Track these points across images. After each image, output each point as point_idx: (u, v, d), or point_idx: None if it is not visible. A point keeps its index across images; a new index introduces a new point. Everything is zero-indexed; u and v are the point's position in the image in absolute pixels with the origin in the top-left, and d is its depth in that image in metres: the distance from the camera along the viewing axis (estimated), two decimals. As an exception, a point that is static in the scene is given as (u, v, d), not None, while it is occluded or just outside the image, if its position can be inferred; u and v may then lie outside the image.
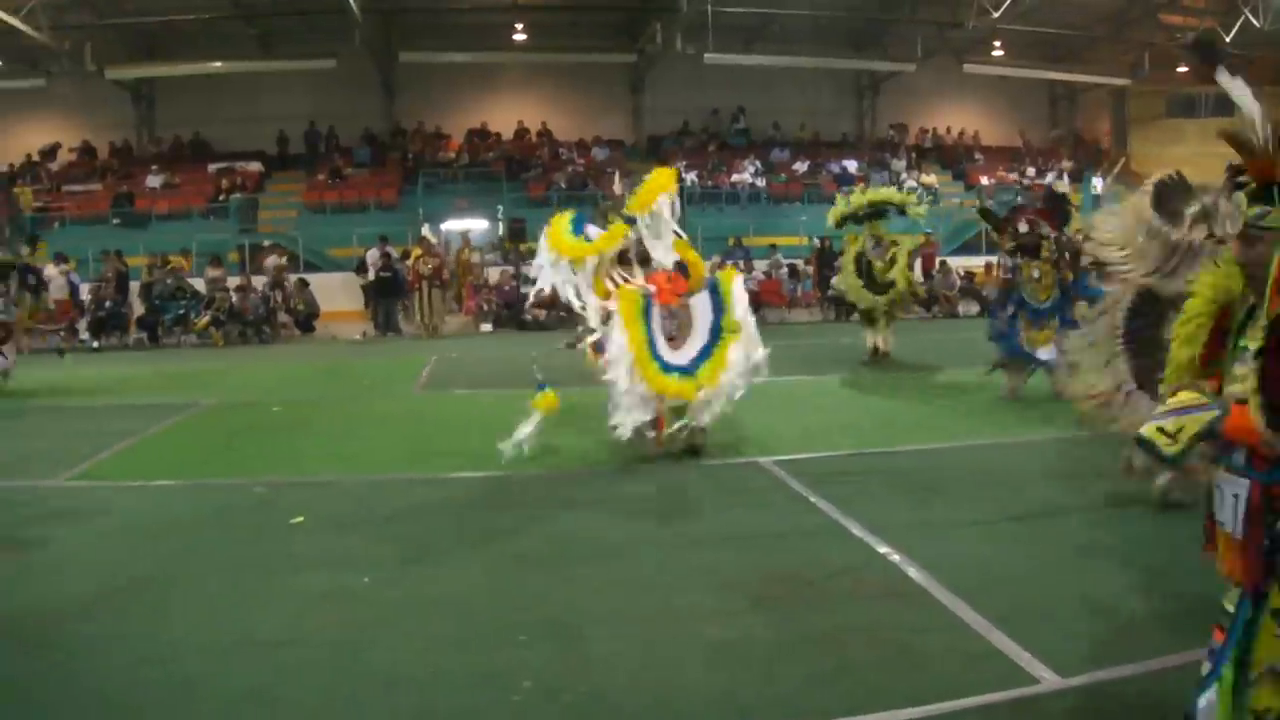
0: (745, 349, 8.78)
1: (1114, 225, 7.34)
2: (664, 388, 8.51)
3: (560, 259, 8.86)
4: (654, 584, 5.69)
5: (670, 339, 8.79)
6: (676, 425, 8.83)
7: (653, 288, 8.90)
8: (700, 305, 9.05)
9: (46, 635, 5.18)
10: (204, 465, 9.44)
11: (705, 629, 5.01)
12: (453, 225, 28.99)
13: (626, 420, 8.51)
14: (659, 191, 8.91)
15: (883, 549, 6.10)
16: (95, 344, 23.03)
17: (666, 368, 8.54)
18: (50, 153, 34.10)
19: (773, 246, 27.76)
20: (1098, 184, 30.88)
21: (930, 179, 35.47)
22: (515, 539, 6.66)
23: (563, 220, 9.16)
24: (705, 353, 8.71)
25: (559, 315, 23.90)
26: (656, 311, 8.84)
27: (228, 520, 7.44)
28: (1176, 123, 37.78)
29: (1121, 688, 4.30)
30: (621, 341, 8.52)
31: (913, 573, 5.65)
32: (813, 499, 7.40)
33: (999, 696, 4.20)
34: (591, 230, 9.08)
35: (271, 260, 25.70)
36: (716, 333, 8.84)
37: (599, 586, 5.68)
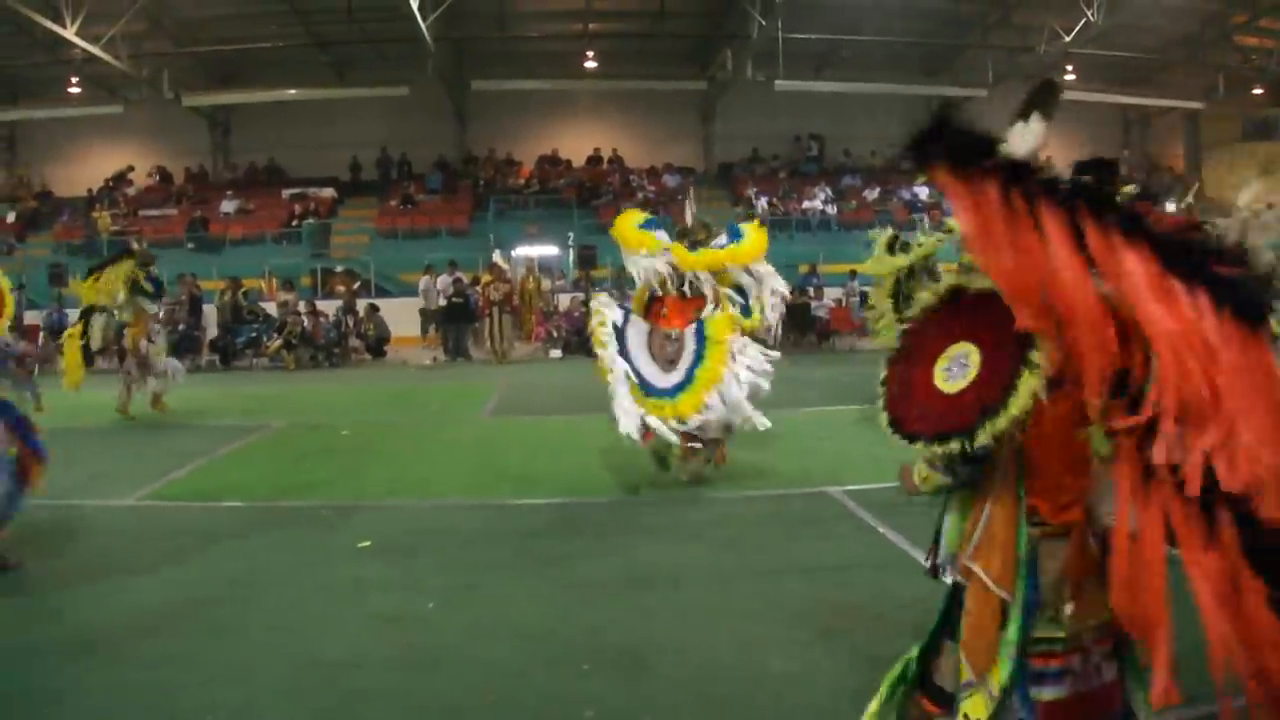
0: (722, 390, 8.63)
1: None
2: (642, 404, 8.54)
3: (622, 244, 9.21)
4: (719, 614, 5.65)
5: (670, 362, 8.84)
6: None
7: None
8: (688, 338, 9.00)
9: (115, 652, 5.24)
10: (273, 487, 9.51)
11: (771, 660, 4.96)
12: (524, 251, 29.10)
13: (624, 424, 8.49)
14: (757, 254, 9.18)
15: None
16: (168, 366, 23.29)
17: (646, 388, 8.63)
18: (122, 176, 34.70)
19: (852, 273, 27.39)
20: (1171, 209, 30.52)
21: (1002, 204, 35.21)
22: (581, 566, 6.65)
23: (633, 215, 9.49)
24: (681, 386, 8.64)
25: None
26: (641, 333, 9.02)
27: (295, 542, 7.50)
28: (1251, 146, 37.20)
29: (1198, 726, 4.20)
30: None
31: (982, 606, 5.57)
32: (881, 529, 7.32)
33: (1070, 734, 4.12)
34: (660, 234, 9.20)
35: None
36: (692, 370, 8.76)
37: (664, 615, 5.64)
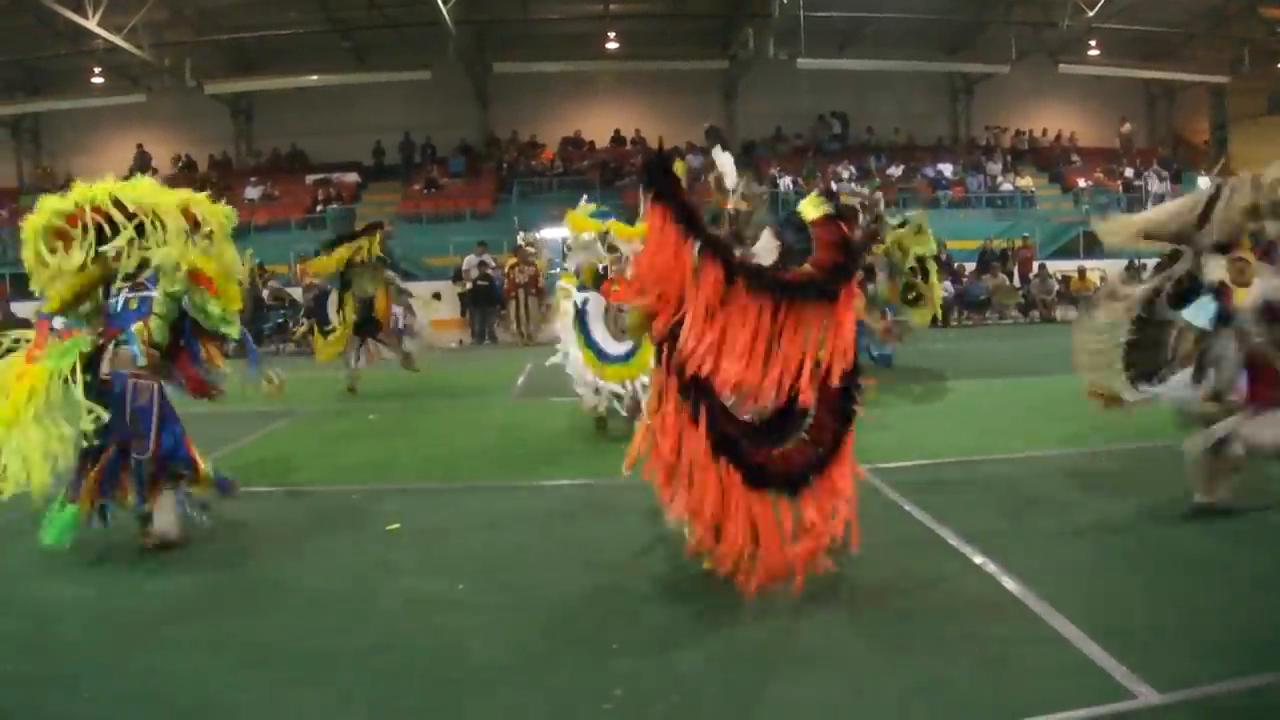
0: None
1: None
2: (600, 372, 10.06)
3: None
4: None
5: (624, 331, 9.77)
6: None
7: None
8: None
9: (146, 637, 5.29)
10: (301, 472, 9.59)
11: (798, 639, 4.99)
12: (549, 234, 29.14)
13: (585, 396, 10.36)
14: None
15: (978, 559, 6.02)
16: (197, 352, 23.32)
17: (602, 355, 10.10)
18: (146, 163, 34.74)
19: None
20: (1203, 183, 30.39)
21: (1026, 182, 35.06)
22: (608, 547, 6.67)
23: (586, 209, 10.56)
24: (634, 350, 9.79)
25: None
26: (598, 309, 10.36)
27: (324, 526, 7.53)
28: (1277, 120, 36.87)
29: (1221, 704, 4.21)
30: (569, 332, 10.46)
31: (1008, 583, 5.58)
32: (907, 507, 7.33)
33: (1096, 711, 4.15)
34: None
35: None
36: None
37: (691, 594, 5.66)
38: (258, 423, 12.16)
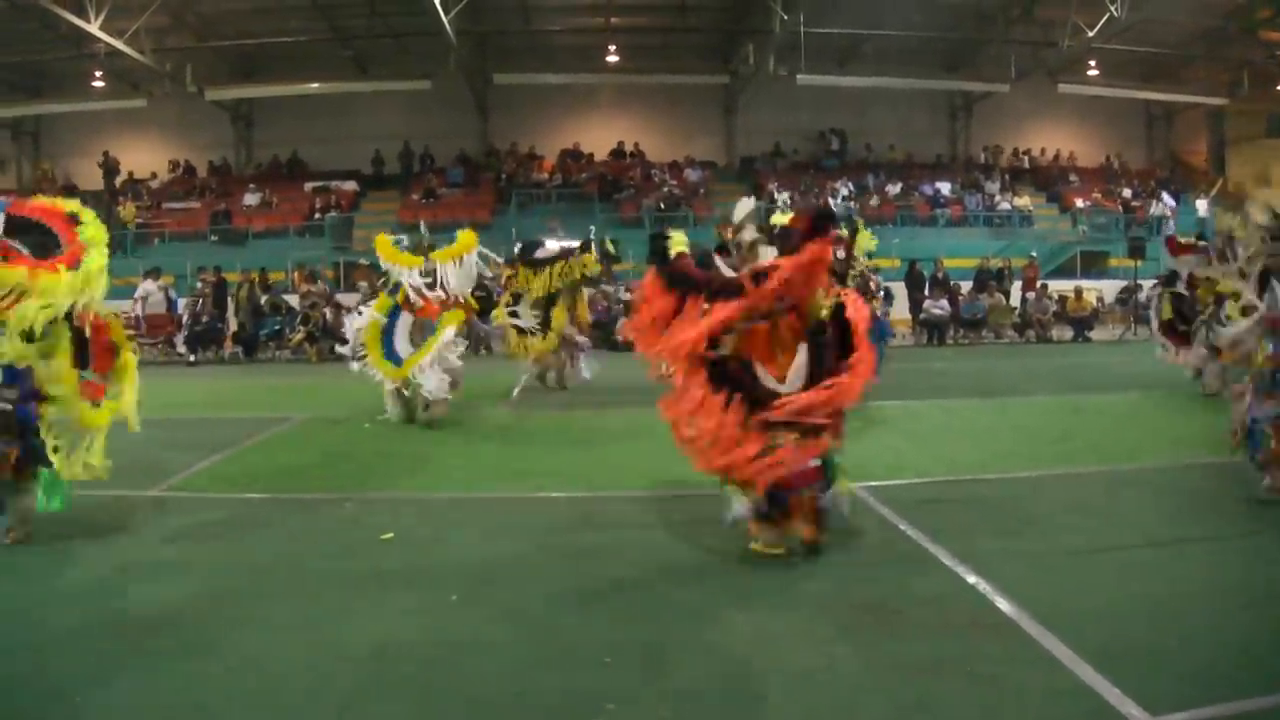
0: (432, 355, 12.20)
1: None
2: (384, 370, 12.51)
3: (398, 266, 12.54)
4: (740, 608, 5.65)
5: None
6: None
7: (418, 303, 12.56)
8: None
9: (136, 644, 5.25)
10: (295, 480, 9.54)
11: (790, 656, 4.98)
12: (550, 245, 29.11)
13: (391, 412, 12.83)
14: (466, 249, 12.84)
15: (972, 579, 6.01)
16: (192, 358, 23.40)
17: (389, 356, 12.47)
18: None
19: (875, 269, 27.11)
20: (1202, 206, 30.46)
21: (1024, 201, 35.12)
22: (602, 560, 6.66)
23: (388, 239, 12.84)
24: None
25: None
26: (406, 320, 12.65)
27: (318, 535, 7.52)
28: (1276, 143, 36.99)
29: (1214, 728, 4.21)
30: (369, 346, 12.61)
31: (1002, 604, 5.57)
32: (902, 526, 7.31)
33: (1087, 733, 4.13)
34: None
35: None
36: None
37: (684, 609, 5.66)
38: (254, 429, 12.16)
